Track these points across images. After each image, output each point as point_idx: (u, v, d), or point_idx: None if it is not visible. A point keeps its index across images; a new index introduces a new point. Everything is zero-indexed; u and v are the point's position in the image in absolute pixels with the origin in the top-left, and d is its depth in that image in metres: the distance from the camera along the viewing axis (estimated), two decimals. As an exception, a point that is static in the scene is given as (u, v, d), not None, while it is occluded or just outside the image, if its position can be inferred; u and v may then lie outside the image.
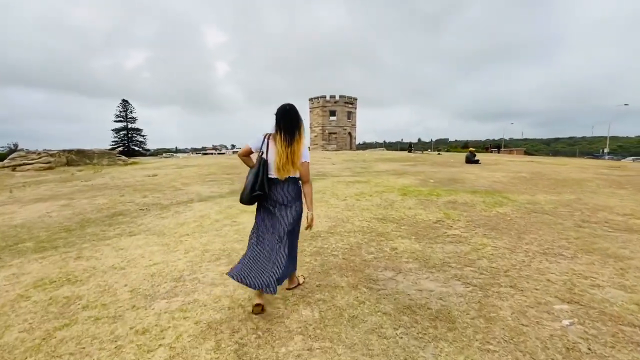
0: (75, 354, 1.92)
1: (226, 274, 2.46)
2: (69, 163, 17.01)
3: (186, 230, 4.43)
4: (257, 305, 2.28)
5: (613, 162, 25.03)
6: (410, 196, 6.53)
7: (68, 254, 3.66)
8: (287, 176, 2.35)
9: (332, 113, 50.05)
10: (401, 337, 2.02)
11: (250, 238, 2.46)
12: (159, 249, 3.70)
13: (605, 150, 54.16)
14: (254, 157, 2.42)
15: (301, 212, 2.47)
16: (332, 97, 49.77)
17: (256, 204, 2.46)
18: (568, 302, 2.44)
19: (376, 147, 73.81)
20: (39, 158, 16.24)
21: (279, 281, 2.22)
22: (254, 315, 2.26)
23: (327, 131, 49.79)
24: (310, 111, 52.04)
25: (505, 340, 1.99)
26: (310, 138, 52.53)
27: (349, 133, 51.31)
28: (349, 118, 51.24)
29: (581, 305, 2.40)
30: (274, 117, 2.32)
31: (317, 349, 1.92)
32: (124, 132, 64.45)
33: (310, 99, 51.85)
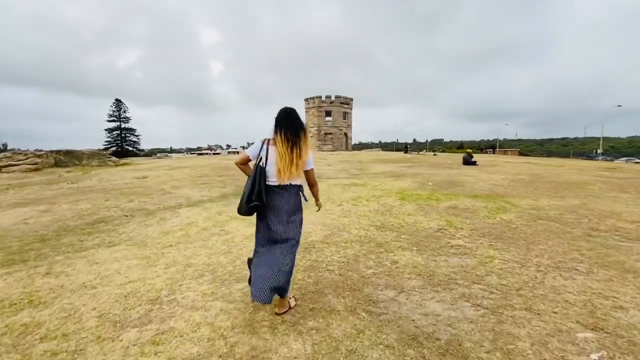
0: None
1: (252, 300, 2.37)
2: (57, 164, 16.53)
3: (170, 240, 4.11)
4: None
5: (609, 163, 25.04)
6: (409, 201, 6.26)
7: (37, 268, 3.32)
8: (289, 182, 2.26)
9: (328, 113, 49.74)
10: (407, 378, 1.73)
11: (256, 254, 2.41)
12: (138, 263, 3.37)
13: (599, 151, 54.54)
14: (252, 165, 2.34)
15: (301, 224, 2.42)
16: (328, 97, 49.46)
17: (255, 214, 2.39)
18: (592, 329, 2.17)
19: (372, 148, 73.71)
20: (26, 159, 15.75)
21: (279, 290, 2.22)
22: (237, 350, 1.96)
23: (322, 131, 49.49)
24: (306, 111, 51.69)
25: (529, 382, 1.71)
26: (306, 138, 52.15)
27: (345, 133, 51.05)
28: (344, 118, 50.97)
29: (607, 332, 2.13)
30: (274, 120, 2.27)
31: (309, 395, 1.63)
32: (117, 132, 63.61)
33: (306, 99, 51.50)
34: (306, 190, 2.50)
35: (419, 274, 3.03)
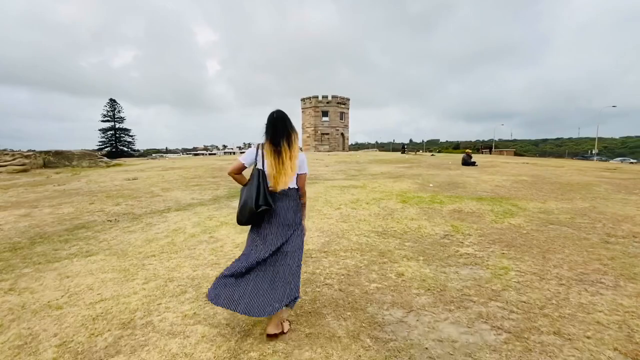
0: None
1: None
2: (46, 165, 16.06)
3: (153, 250, 3.75)
4: (270, 335, 2.06)
5: (607, 163, 24.98)
6: (411, 204, 5.95)
7: (0, 283, 2.96)
8: (283, 188, 2.14)
9: (325, 113, 49.42)
10: None
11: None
12: (114, 277, 3.02)
13: (594, 152, 54.79)
14: (247, 173, 2.23)
15: (303, 229, 2.26)
16: (325, 97, 49.15)
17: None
18: (633, 359, 1.86)
19: (369, 148, 73.53)
20: (13, 160, 15.27)
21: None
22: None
23: (319, 132, 49.16)
24: (302, 111, 51.35)
25: None
26: (303, 139, 51.85)
27: (342, 134, 50.76)
28: (341, 118, 50.68)
29: (653, 363, 1.82)
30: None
31: None
32: (111, 132, 62.82)
33: (302, 99, 51.16)
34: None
35: (428, 289, 2.71)
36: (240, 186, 2.25)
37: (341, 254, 3.52)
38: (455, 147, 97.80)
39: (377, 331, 2.13)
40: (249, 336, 2.08)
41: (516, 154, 50.12)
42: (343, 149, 49.11)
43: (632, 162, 42.65)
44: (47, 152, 16.51)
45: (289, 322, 2.21)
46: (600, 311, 2.35)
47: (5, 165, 14.37)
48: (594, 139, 54.41)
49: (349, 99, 51.82)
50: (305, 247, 3.72)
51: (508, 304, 2.46)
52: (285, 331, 2.11)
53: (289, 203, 2.18)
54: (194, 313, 2.35)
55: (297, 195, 2.23)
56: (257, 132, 2.22)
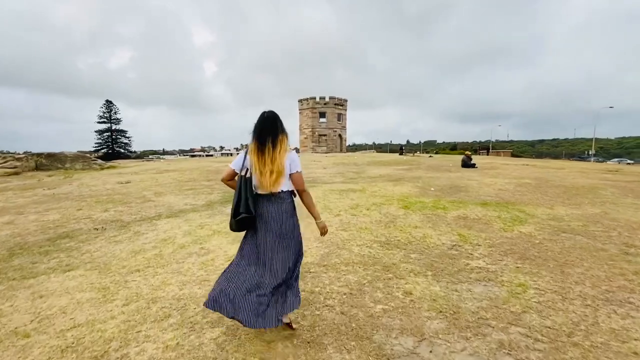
0: None
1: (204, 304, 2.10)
2: (38, 168, 15.70)
3: (139, 263, 3.47)
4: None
5: (606, 165, 24.88)
6: (414, 209, 5.68)
7: (-35, 305, 2.67)
8: (273, 191, 2.05)
9: (322, 114, 49.17)
10: None
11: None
12: (92, 297, 2.73)
13: (591, 152, 54.90)
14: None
15: (299, 234, 2.20)
16: (322, 98, 48.91)
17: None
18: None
19: (366, 149, 73.38)
20: (5, 162, 14.93)
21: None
22: None
23: (317, 133, 48.90)
24: (300, 112, 51.08)
25: None
26: (300, 140, 51.58)
27: (339, 135, 50.52)
28: (339, 120, 50.44)
29: None
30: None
31: None
32: (107, 133, 62.29)
33: (300, 100, 50.89)
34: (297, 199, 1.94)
35: (441, 311, 2.44)
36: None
37: (342, 268, 3.25)
38: (452, 148, 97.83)
39: (386, 367, 1.86)
40: (238, 374, 1.80)
41: (513, 155, 50.11)
42: (341, 151, 48.88)
43: (629, 163, 42.67)
44: (39, 155, 16.15)
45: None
46: (636, 339, 2.09)
47: (-4, 168, 14.01)
48: (589, 139, 54.55)
49: (346, 100, 51.62)
50: (304, 259, 3.44)
51: (531, 330, 2.20)
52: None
53: (281, 207, 2.08)
54: (177, 344, 2.07)
55: (291, 199, 2.15)
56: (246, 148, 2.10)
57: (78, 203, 7.09)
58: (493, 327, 2.23)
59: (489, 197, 7.00)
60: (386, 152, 66.38)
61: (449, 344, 2.06)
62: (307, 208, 2.18)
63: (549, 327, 2.23)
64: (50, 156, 16.46)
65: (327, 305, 2.54)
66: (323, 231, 2.20)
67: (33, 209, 6.62)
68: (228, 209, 6.03)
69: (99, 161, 18.73)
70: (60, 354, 2.00)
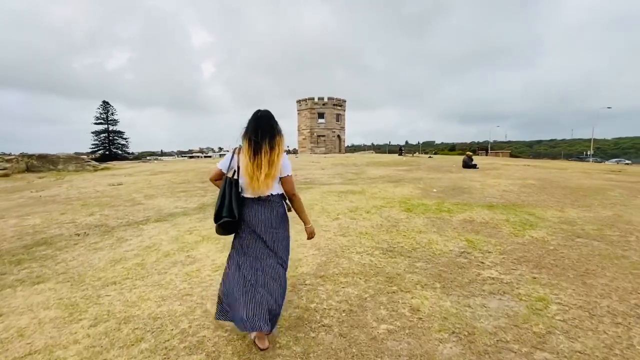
0: None
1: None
2: (29, 169, 15.32)
3: (116, 274, 3.14)
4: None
5: (605, 165, 24.69)
6: (417, 212, 5.38)
7: None
8: (262, 194, 1.98)
9: (321, 115, 48.87)
10: None
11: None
12: (57, 315, 2.41)
13: (590, 153, 54.84)
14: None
15: (288, 240, 2.15)
16: (321, 99, 48.64)
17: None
18: None
19: (365, 150, 73.18)
20: (-6, 164, 14.54)
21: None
22: None
23: (315, 134, 48.61)
24: (298, 113, 50.79)
25: None
26: (298, 141, 51.30)
27: (338, 136, 50.24)
28: (337, 120, 50.16)
29: None
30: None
31: None
32: (104, 135, 61.86)
33: (298, 101, 50.60)
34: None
35: (453, 332, 2.13)
36: None
37: (341, 279, 2.94)
38: (451, 148, 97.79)
39: (394, 407, 1.55)
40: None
41: (512, 155, 50.01)
42: (339, 151, 48.59)
43: (627, 163, 42.57)
44: (30, 156, 15.77)
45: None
46: (684, 368, 1.79)
47: (-15, 170, 13.63)
48: (586, 140, 54.56)
49: (345, 101, 51.37)
50: (298, 269, 3.14)
51: (560, 356, 1.89)
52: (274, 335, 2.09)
53: (272, 211, 2.02)
54: (146, 377, 1.75)
55: (281, 202, 2.08)
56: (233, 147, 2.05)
57: (63, 206, 6.75)
58: (515, 353, 1.93)
59: (494, 199, 6.71)
60: (385, 152, 66.18)
61: (466, 375, 1.75)
62: (297, 212, 2.13)
63: (580, 352, 1.92)
64: (41, 157, 16.08)
65: (324, 325, 2.22)
66: (310, 236, 2.18)
67: (15, 213, 6.28)
68: (220, 213, 5.71)
69: (93, 162, 18.36)
70: (7, 390, 1.69)
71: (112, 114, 62.14)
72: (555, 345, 1.99)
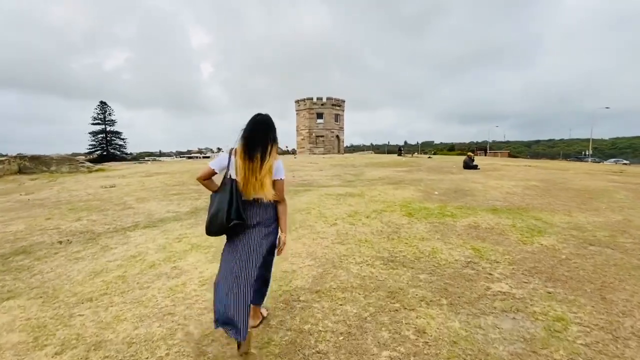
0: None
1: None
2: (21, 171, 15.02)
3: (94, 289, 2.89)
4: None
5: (605, 165, 24.52)
6: (418, 217, 5.14)
7: None
8: (256, 197, 2.00)
9: (320, 115, 48.64)
10: None
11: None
12: (21, 340, 2.15)
13: (588, 153, 54.80)
14: (217, 179, 2.08)
15: (276, 234, 2.14)
16: (319, 99, 48.40)
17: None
18: None
19: (364, 150, 72.95)
20: (-15, 165, 14.24)
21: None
22: None
23: (314, 134, 48.36)
24: (297, 113, 50.54)
25: None
26: (297, 141, 51.05)
27: (337, 136, 50.01)
28: (336, 121, 49.93)
29: None
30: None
31: None
32: (102, 135, 61.45)
33: (297, 101, 50.35)
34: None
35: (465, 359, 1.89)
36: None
37: (339, 295, 2.69)
38: (450, 148, 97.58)
39: None
40: None
41: (510, 155, 49.89)
42: (338, 152, 48.35)
43: (625, 163, 42.49)
44: (22, 157, 15.48)
45: (267, 309, 2.38)
46: None
47: (-25, 172, 13.34)
48: (584, 139, 54.53)
49: (344, 101, 51.16)
50: (292, 283, 2.89)
51: (588, 392, 1.65)
52: (265, 316, 2.31)
53: (264, 213, 2.05)
54: (110, 421, 1.50)
55: (272, 205, 2.09)
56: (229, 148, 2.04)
57: (50, 211, 6.49)
58: (537, 387, 1.69)
59: (498, 202, 6.48)
60: (384, 153, 65.98)
61: (482, 417, 1.51)
62: (278, 216, 2.12)
63: (611, 387, 1.68)
64: (34, 159, 15.78)
65: (318, 352, 1.98)
66: (280, 248, 2.11)
67: (-1, 218, 6.02)
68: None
69: (87, 164, 18.07)
70: None
71: (110, 114, 61.81)
72: (581, 376, 1.76)
